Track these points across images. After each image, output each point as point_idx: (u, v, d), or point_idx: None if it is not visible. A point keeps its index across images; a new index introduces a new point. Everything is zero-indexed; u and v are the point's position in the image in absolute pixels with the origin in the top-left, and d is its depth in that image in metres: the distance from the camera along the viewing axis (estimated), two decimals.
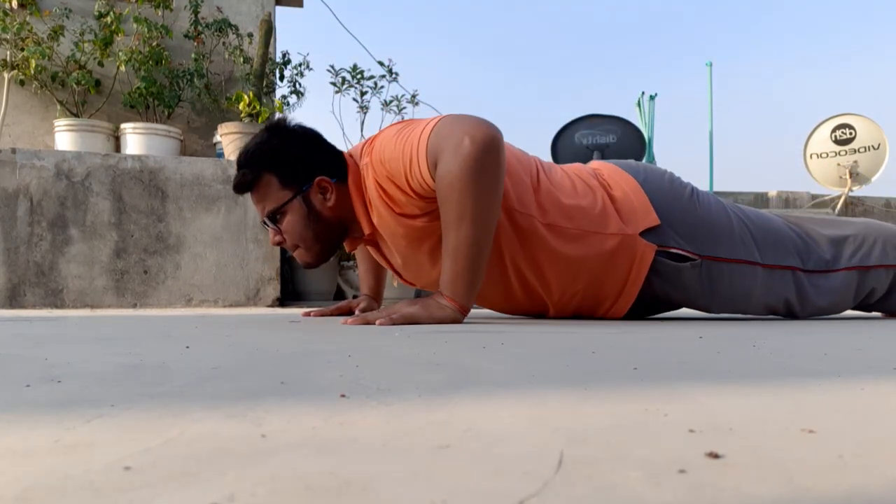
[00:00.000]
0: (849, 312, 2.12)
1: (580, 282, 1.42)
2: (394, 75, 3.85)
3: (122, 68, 3.09)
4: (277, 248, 2.82)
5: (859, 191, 5.06)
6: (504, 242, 1.35)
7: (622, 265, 1.40)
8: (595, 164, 1.55)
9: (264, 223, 1.41)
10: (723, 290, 1.47)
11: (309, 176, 1.36)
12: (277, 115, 1.48)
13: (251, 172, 1.36)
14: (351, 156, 1.42)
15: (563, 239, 1.36)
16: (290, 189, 1.36)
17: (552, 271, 1.39)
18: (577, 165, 1.53)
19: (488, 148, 1.17)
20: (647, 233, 1.39)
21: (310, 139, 1.41)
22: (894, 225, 1.68)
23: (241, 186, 1.39)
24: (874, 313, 1.79)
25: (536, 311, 1.53)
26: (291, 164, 1.36)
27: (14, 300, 2.51)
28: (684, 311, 2.27)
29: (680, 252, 1.41)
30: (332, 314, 1.64)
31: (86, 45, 3.08)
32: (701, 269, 1.43)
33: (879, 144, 5.16)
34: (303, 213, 1.36)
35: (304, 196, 1.36)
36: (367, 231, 1.39)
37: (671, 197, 1.45)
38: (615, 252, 1.38)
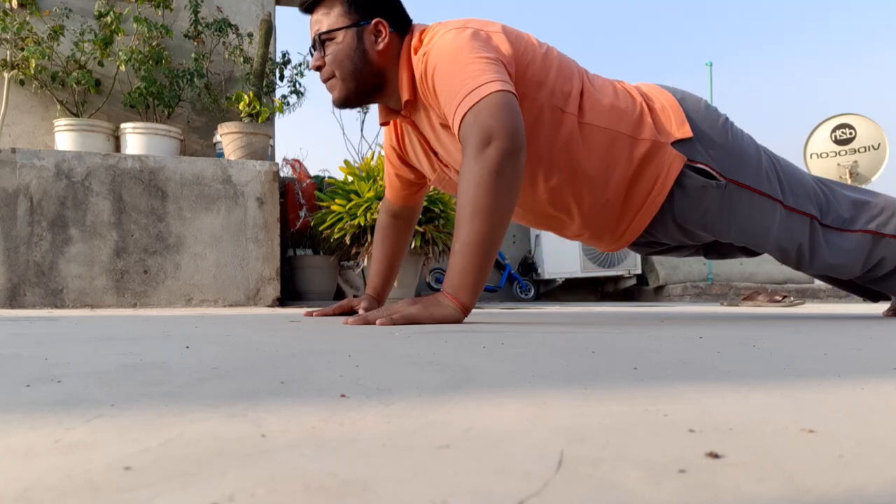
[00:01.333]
0: (849, 311, 2.12)
1: (610, 189, 1.43)
2: None
3: (122, 68, 3.09)
4: (277, 248, 2.82)
5: None
6: (542, 142, 1.37)
7: (651, 173, 1.42)
8: (637, 82, 1.58)
9: (312, 47, 1.45)
10: (741, 219, 1.48)
11: (371, 13, 1.40)
12: None
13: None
14: (419, 28, 1.46)
15: (600, 139, 1.39)
16: (350, 18, 1.40)
17: (585, 174, 1.41)
18: (621, 80, 1.55)
19: (510, 156, 1.20)
20: (679, 144, 1.42)
21: None
22: None
23: (309, 6, 1.43)
24: (874, 312, 1.79)
25: (558, 221, 1.53)
26: None
27: (14, 300, 2.51)
28: (684, 310, 2.27)
29: (707, 169, 1.42)
30: (333, 314, 1.64)
31: (86, 44, 3.08)
32: (724, 192, 1.45)
33: (879, 144, 5.16)
34: (352, 45, 1.40)
35: (359, 30, 1.40)
36: (405, 96, 1.41)
37: (706, 118, 1.47)
38: (646, 158, 1.41)
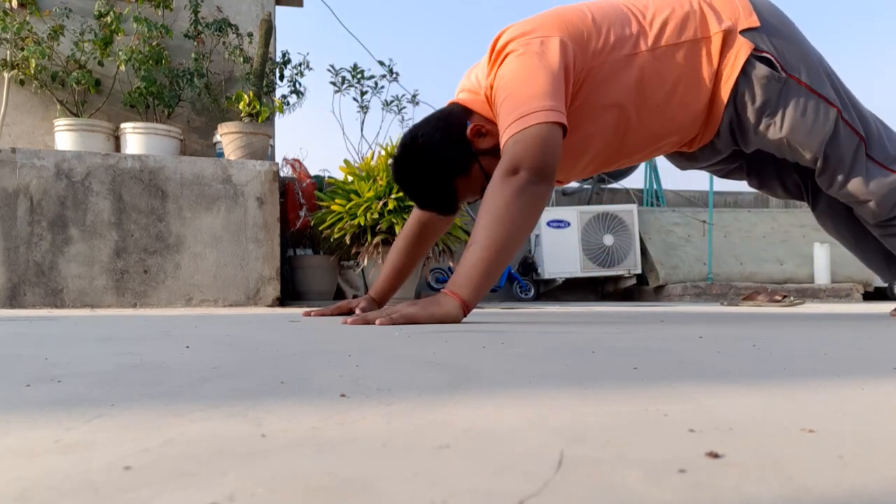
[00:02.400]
0: (850, 311, 2.12)
1: (697, 94, 1.49)
2: (394, 75, 3.86)
3: (122, 68, 3.09)
4: (277, 248, 2.82)
5: None
6: (624, 91, 1.44)
7: (722, 62, 1.47)
8: None
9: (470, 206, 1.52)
10: (794, 115, 1.49)
11: (462, 141, 1.46)
12: (399, 136, 1.62)
13: (446, 193, 1.50)
14: (471, 91, 1.53)
15: (677, 57, 1.46)
16: (472, 163, 1.47)
17: (674, 95, 1.47)
18: None
19: (534, 182, 1.29)
20: (746, 32, 1.47)
21: (436, 128, 1.50)
22: None
23: (449, 207, 1.54)
24: (874, 312, 1.79)
25: (657, 147, 1.60)
26: (453, 157, 1.47)
27: (14, 300, 2.51)
28: (684, 310, 2.27)
29: (771, 58, 1.46)
30: (332, 314, 1.64)
31: (86, 44, 3.07)
32: (783, 86, 1.48)
33: None
34: (488, 159, 1.45)
35: (477, 155, 1.47)
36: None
37: (772, 13, 1.52)
38: (721, 50, 1.46)
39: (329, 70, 3.73)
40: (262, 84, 3.21)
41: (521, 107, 1.30)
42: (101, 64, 3.16)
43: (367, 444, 0.31)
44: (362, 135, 4.59)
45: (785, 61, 1.47)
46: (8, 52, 3.02)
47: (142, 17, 3.11)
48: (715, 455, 0.29)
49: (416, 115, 4.02)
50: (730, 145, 1.59)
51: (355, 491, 0.24)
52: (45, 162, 2.57)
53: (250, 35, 3.43)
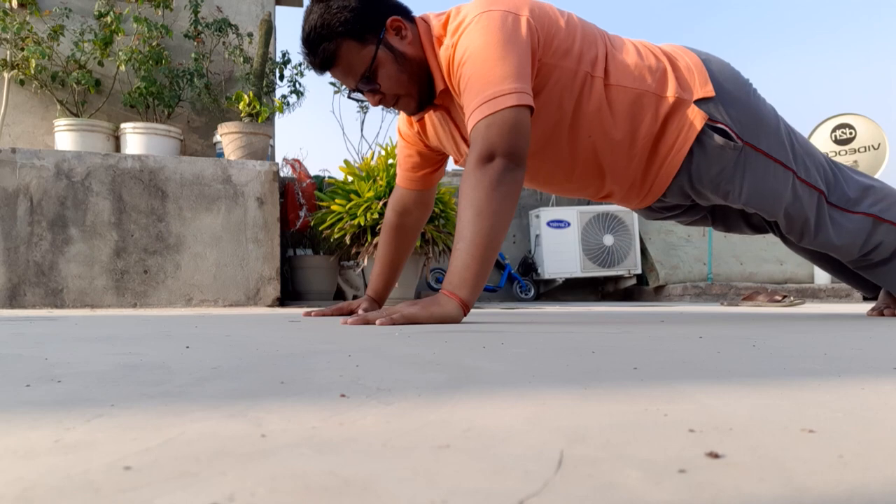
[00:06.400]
0: (850, 311, 2.12)
1: (637, 147, 1.45)
2: None
3: (122, 68, 3.09)
4: (277, 248, 2.82)
5: None
6: (573, 108, 1.40)
7: (674, 129, 1.44)
8: (661, 43, 1.60)
9: (357, 91, 1.42)
10: (755, 181, 1.49)
11: (380, 21, 1.37)
12: None
13: (330, 44, 1.36)
14: (422, 18, 1.45)
15: (626, 99, 1.41)
16: (370, 42, 1.37)
17: (614, 134, 1.43)
18: (643, 40, 1.56)
19: (509, 170, 1.26)
20: (701, 103, 1.44)
21: None
22: None
23: (325, 63, 1.39)
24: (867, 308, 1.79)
25: (588, 184, 1.56)
26: (360, 18, 1.36)
27: (14, 300, 2.51)
28: (684, 310, 2.27)
29: (726, 129, 1.44)
30: (332, 314, 1.63)
31: (86, 44, 3.07)
32: (740, 154, 1.47)
33: (879, 144, 5.16)
34: (391, 58, 1.38)
35: (385, 42, 1.37)
36: (440, 86, 1.41)
37: (729, 80, 1.49)
38: (670, 115, 1.43)
39: None
40: (262, 84, 3.21)
41: (490, 87, 1.26)
42: (101, 64, 3.17)
43: (367, 444, 0.31)
44: (362, 135, 4.60)
45: (741, 129, 1.45)
46: (8, 52, 3.02)
47: (142, 17, 3.11)
48: (715, 455, 0.29)
49: None
50: (687, 202, 1.59)
51: (355, 491, 0.24)
52: (45, 162, 2.57)
53: (250, 35, 3.43)
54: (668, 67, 1.45)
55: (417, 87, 1.42)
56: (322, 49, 1.37)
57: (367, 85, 1.40)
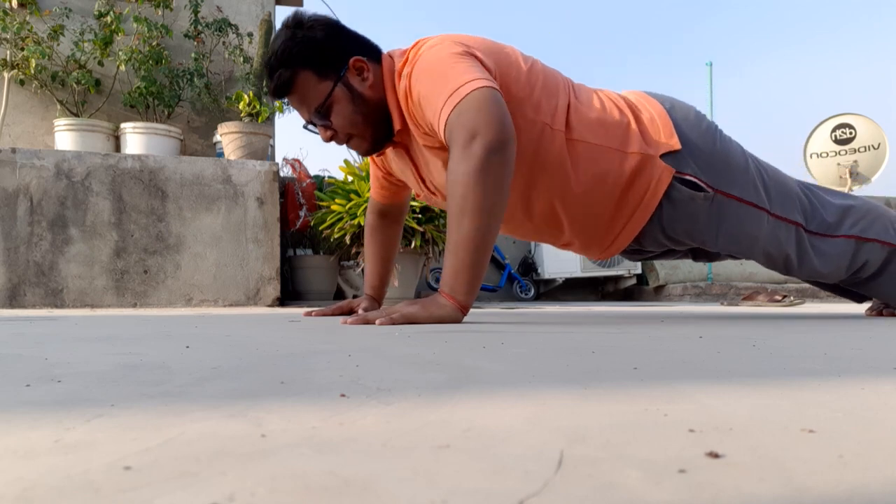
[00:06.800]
0: (850, 311, 2.12)
1: (599, 203, 1.42)
2: None
3: (122, 68, 3.09)
4: (277, 248, 2.82)
5: (859, 190, 5.06)
6: (531, 160, 1.35)
7: (640, 186, 1.41)
8: (624, 90, 1.56)
9: (311, 123, 1.40)
10: (729, 228, 1.48)
11: (343, 59, 1.36)
12: (295, 10, 1.43)
13: (287, 71, 1.35)
14: (389, 55, 1.42)
15: (588, 155, 1.37)
16: (329, 78, 1.35)
17: (575, 189, 1.39)
18: (607, 90, 1.53)
19: (497, 150, 1.17)
20: (667, 157, 1.41)
21: (332, 24, 1.39)
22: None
23: (279, 89, 1.38)
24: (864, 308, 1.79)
25: (548, 234, 1.53)
26: (323, 52, 1.35)
27: (14, 300, 2.51)
28: (684, 310, 2.27)
29: (695, 180, 1.42)
30: (332, 314, 1.64)
31: (86, 44, 3.08)
32: (712, 203, 1.44)
33: (879, 144, 5.16)
34: (348, 98, 1.36)
35: (344, 81, 1.36)
36: (397, 125, 1.39)
37: (695, 128, 1.46)
38: (635, 172, 1.39)
39: None
40: (262, 84, 3.21)
41: (448, 88, 1.21)
42: (101, 64, 3.17)
43: (367, 444, 0.31)
44: None
45: (711, 177, 1.43)
46: (8, 52, 3.02)
47: (142, 17, 3.11)
48: (715, 455, 0.29)
49: None
50: (663, 248, 1.58)
51: (355, 491, 0.24)
52: (45, 162, 2.57)
53: (250, 35, 3.43)
54: (631, 121, 1.40)
55: (372, 129, 1.40)
56: (279, 75, 1.35)
57: (320, 119, 1.38)
